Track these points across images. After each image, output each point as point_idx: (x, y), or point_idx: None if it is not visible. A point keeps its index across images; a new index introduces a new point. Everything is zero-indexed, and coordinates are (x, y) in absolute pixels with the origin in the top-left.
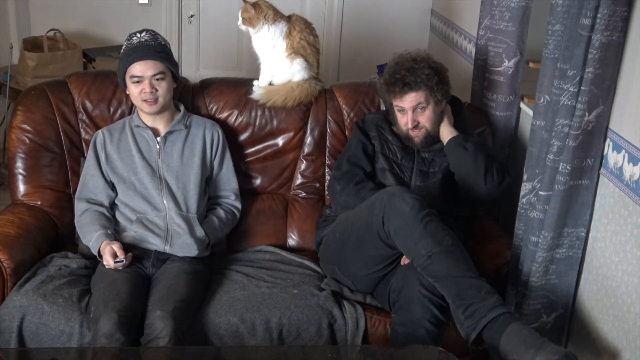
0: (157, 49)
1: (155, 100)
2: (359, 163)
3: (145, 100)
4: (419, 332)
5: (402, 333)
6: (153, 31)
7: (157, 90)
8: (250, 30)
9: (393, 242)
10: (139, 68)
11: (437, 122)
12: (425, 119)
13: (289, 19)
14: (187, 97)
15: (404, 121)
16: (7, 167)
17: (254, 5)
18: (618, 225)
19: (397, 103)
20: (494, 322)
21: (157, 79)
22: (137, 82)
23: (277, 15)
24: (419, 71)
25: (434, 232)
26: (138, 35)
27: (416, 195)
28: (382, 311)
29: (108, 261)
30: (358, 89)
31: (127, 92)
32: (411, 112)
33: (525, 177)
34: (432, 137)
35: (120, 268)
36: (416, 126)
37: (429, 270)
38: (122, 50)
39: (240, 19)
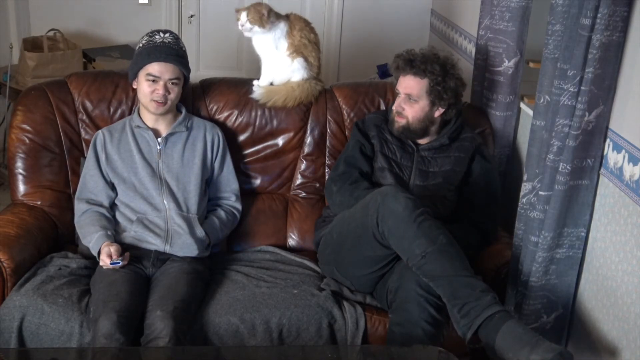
0: (179, 54)
1: (165, 102)
2: (355, 164)
3: (154, 100)
4: (415, 332)
5: (399, 333)
6: (176, 34)
7: (169, 93)
8: (258, 30)
9: (388, 242)
10: (158, 68)
11: (422, 121)
12: (411, 111)
13: (287, 18)
14: (187, 97)
15: (394, 104)
16: (7, 167)
17: (263, 5)
18: (618, 225)
19: (397, 85)
20: (489, 320)
21: (173, 83)
22: (153, 81)
23: (276, 15)
24: (430, 63)
25: (428, 232)
26: (161, 34)
27: (409, 195)
28: (382, 311)
29: (104, 261)
30: (358, 89)
31: (135, 87)
32: (403, 97)
33: (525, 177)
34: (410, 131)
35: (117, 268)
36: (400, 113)
37: (423, 270)
38: (141, 45)
39: (245, 20)
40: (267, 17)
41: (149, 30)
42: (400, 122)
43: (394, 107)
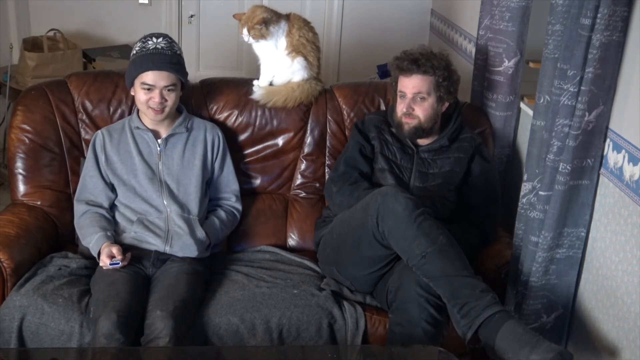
0: (172, 60)
1: (162, 109)
2: (355, 164)
3: (152, 108)
4: (416, 331)
5: (399, 333)
6: (170, 38)
7: (166, 100)
8: (263, 41)
9: (388, 242)
10: (152, 77)
11: (433, 118)
12: (421, 110)
13: (287, 17)
14: (187, 97)
15: (400, 107)
16: (7, 167)
17: (262, 21)
18: (618, 225)
19: (401, 87)
20: (489, 320)
21: (168, 90)
22: (148, 89)
23: (276, 15)
24: (433, 60)
25: (428, 232)
26: (154, 40)
27: (409, 195)
28: (382, 311)
29: (104, 262)
30: (358, 89)
31: (133, 94)
32: (410, 98)
33: (525, 177)
34: (423, 131)
35: (117, 268)
36: (410, 114)
37: (423, 270)
38: (135, 52)
39: (247, 36)
40: (266, 28)
41: (144, 35)
42: (411, 123)
43: (401, 110)
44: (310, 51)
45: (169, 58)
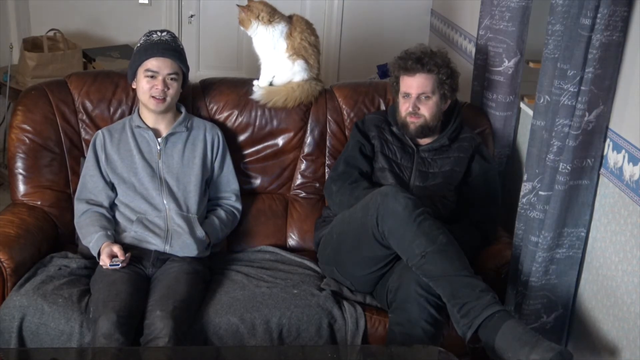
0: (176, 50)
1: (164, 99)
2: (355, 164)
3: (153, 97)
4: (415, 331)
5: (399, 333)
6: (173, 33)
7: (168, 89)
8: (246, 31)
9: (388, 242)
10: (156, 64)
11: (437, 117)
12: (426, 108)
13: (289, 19)
14: (187, 97)
15: (405, 107)
16: (7, 167)
17: (246, 7)
18: (618, 225)
19: (405, 87)
20: (489, 320)
21: (171, 79)
22: (151, 77)
23: (275, 16)
24: (436, 58)
25: (428, 231)
26: (159, 33)
27: (409, 195)
28: (382, 311)
29: (104, 261)
30: (358, 89)
31: (134, 86)
32: (415, 98)
33: (525, 177)
34: (429, 129)
35: (117, 269)
36: (416, 113)
37: (423, 270)
38: (139, 45)
39: (239, 21)
40: (248, 18)
41: (149, 30)
42: (416, 122)
43: (405, 109)
44: (311, 54)
45: (173, 48)
